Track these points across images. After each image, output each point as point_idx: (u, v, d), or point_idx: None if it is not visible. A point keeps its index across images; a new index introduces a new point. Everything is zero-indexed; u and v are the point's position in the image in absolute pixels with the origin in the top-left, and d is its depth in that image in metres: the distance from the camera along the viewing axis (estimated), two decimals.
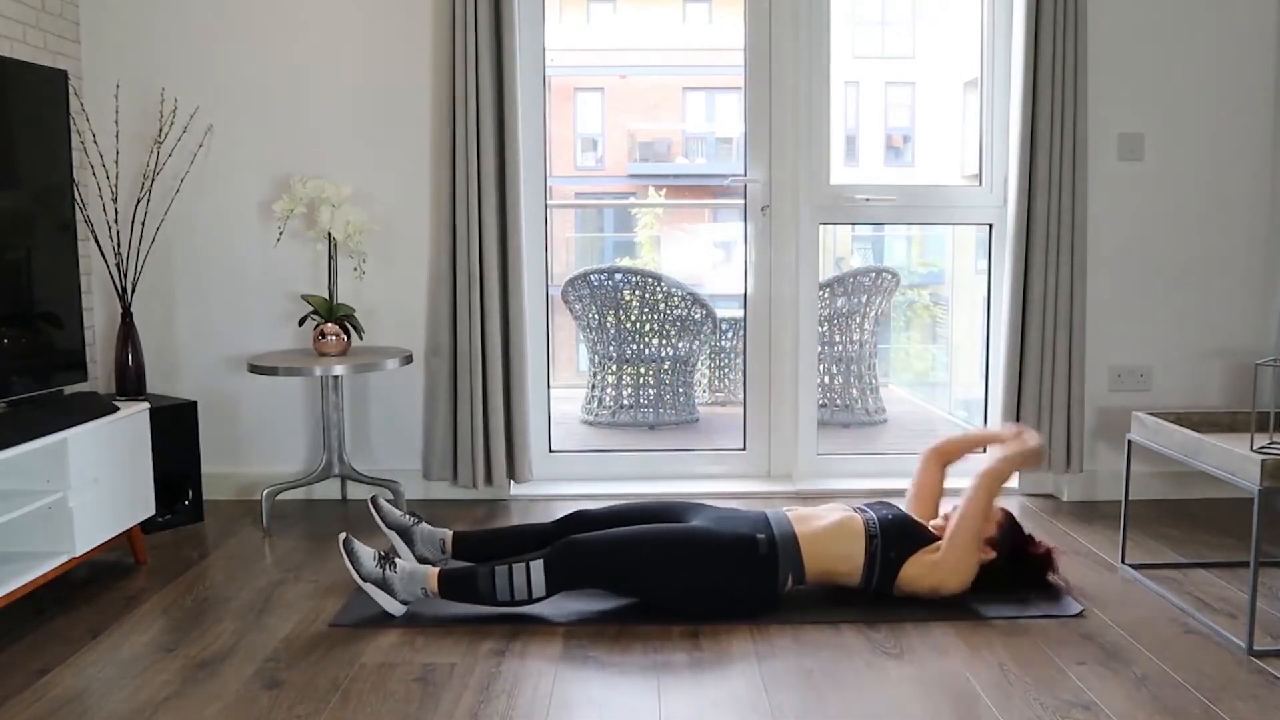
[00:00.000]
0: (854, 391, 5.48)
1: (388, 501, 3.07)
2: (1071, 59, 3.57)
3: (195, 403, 3.61)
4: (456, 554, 2.93)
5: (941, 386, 6.83)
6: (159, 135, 3.63)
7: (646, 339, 5.35)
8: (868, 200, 3.92)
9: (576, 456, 4.23)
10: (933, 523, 2.87)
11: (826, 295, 5.35)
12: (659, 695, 2.28)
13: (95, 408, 2.91)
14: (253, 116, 3.72)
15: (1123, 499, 3.11)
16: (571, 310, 5.43)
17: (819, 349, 4.13)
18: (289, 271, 3.77)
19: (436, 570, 2.69)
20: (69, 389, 3.06)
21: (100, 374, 3.74)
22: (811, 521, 2.77)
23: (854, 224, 6.36)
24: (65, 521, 2.74)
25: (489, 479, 3.68)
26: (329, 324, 3.52)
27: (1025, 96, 3.59)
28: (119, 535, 3.00)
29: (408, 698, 2.26)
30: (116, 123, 3.63)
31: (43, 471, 2.73)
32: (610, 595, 2.76)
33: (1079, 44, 3.58)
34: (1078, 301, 3.67)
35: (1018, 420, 3.70)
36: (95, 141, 3.62)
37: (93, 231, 3.61)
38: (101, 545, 2.90)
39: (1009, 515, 2.88)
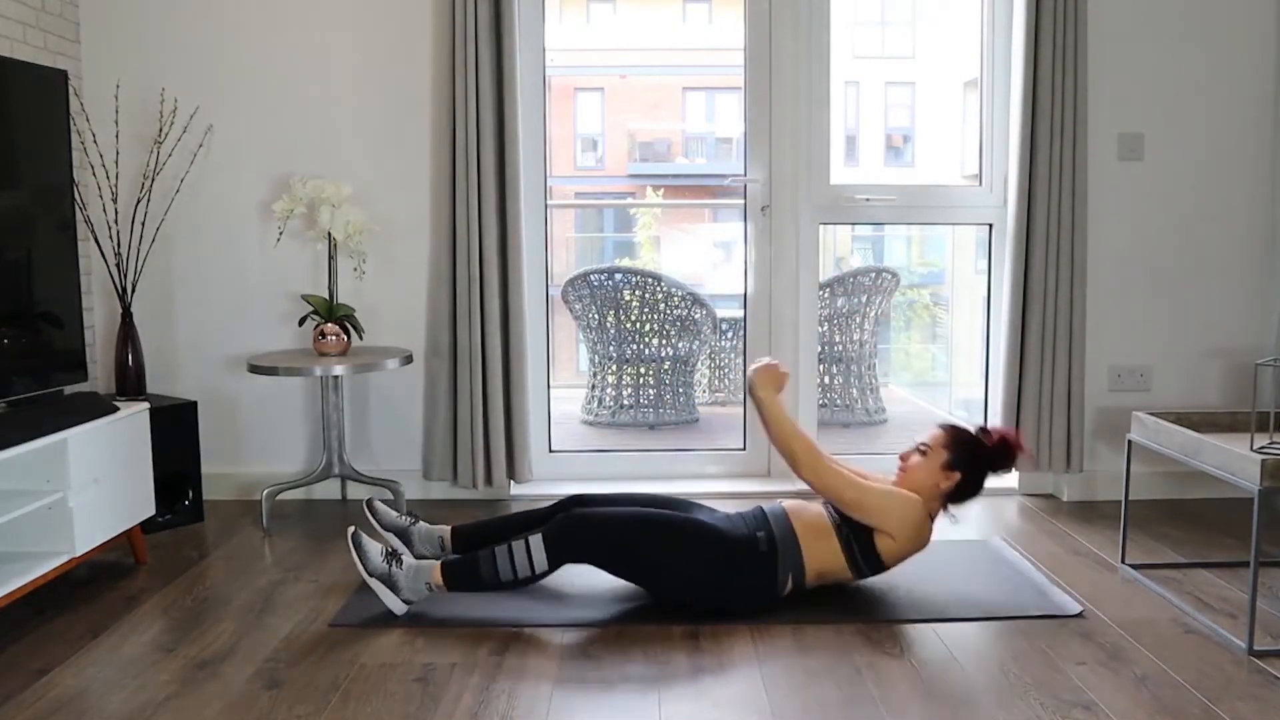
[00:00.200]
0: (854, 391, 5.48)
1: (385, 503, 3.07)
2: (1071, 59, 3.57)
3: (195, 403, 3.61)
4: (456, 548, 2.93)
5: (941, 386, 6.83)
6: (159, 135, 3.63)
7: (646, 339, 5.35)
8: (868, 200, 3.92)
9: (576, 456, 4.23)
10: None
11: (826, 295, 5.35)
12: (659, 696, 2.27)
13: (95, 408, 2.91)
14: (253, 116, 3.72)
15: (1123, 499, 3.11)
16: (571, 310, 5.44)
17: (819, 349, 4.14)
18: (289, 271, 3.77)
19: (439, 563, 2.70)
20: (69, 389, 3.06)
21: (100, 374, 3.74)
22: (803, 516, 2.76)
23: (854, 224, 6.37)
24: (65, 521, 2.74)
25: (489, 479, 3.68)
26: (329, 324, 3.52)
27: (1025, 96, 3.59)
28: (119, 535, 2.99)
29: (408, 698, 2.26)
30: (116, 123, 3.63)
31: (43, 471, 2.73)
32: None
33: (1079, 44, 3.58)
34: (1078, 301, 3.67)
35: (1017, 420, 3.70)
36: (95, 141, 3.62)
37: (93, 231, 3.61)
38: (101, 545, 2.90)
39: (951, 430, 2.83)
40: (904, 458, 2.85)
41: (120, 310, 3.60)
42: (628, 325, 5.35)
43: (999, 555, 3.18)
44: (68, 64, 3.59)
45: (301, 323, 3.63)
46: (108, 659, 2.47)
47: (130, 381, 3.57)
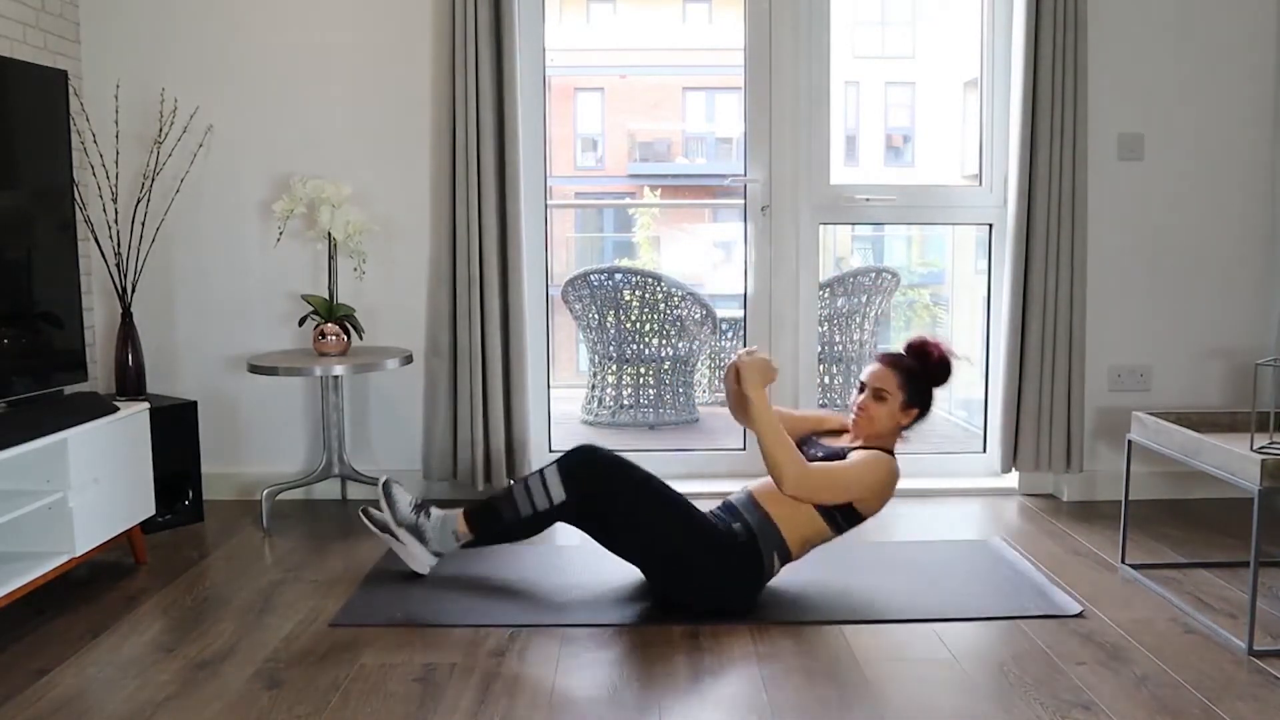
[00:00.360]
0: (854, 391, 5.47)
1: (396, 485, 2.95)
2: (1071, 59, 3.58)
3: (195, 403, 3.61)
4: (470, 524, 2.83)
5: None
6: (159, 135, 3.63)
7: (646, 339, 5.35)
8: (868, 200, 3.92)
9: None
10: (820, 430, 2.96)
11: (826, 295, 5.35)
12: (659, 696, 2.28)
13: (95, 408, 2.91)
14: (253, 116, 3.72)
15: (1123, 499, 3.11)
16: (571, 310, 5.44)
17: (819, 349, 4.13)
18: (289, 271, 3.77)
19: (462, 510, 2.75)
20: (69, 389, 3.06)
21: (100, 374, 3.74)
22: (771, 492, 2.75)
23: (854, 224, 6.38)
24: (65, 521, 2.74)
25: (489, 478, 3.68)
26: (329, 324, 3.52)
27: (1025, 96, 3.59)
28: (119, 535, 2.99)
29: (408, 698, 2.26)
30: (116, 123, 3.63)
31: (43, 471, 2.73)
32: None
33: (1079, 44, 3.58)
34: (1078, 301, 3.67)
35: (1017, 420, 3.71)
36: (95, 141, 3.62)
37: (93, 231, 3.61)
38: (101, 545, 2.89)
39: (899, 369, 2.84)
40: (861, 407, 2.86)
41: (120, 310, 3.60)
42: (628, 325, 5.35)
43: (999, 555, 3.18)
44: (68, 64, 3.59)
45: (301, 323, 3.63)
46: (108, 659, 2.47)
47: (130, 381, 3.57)
